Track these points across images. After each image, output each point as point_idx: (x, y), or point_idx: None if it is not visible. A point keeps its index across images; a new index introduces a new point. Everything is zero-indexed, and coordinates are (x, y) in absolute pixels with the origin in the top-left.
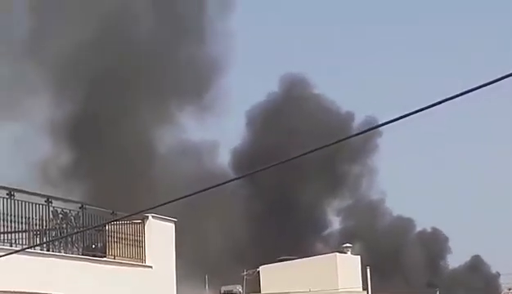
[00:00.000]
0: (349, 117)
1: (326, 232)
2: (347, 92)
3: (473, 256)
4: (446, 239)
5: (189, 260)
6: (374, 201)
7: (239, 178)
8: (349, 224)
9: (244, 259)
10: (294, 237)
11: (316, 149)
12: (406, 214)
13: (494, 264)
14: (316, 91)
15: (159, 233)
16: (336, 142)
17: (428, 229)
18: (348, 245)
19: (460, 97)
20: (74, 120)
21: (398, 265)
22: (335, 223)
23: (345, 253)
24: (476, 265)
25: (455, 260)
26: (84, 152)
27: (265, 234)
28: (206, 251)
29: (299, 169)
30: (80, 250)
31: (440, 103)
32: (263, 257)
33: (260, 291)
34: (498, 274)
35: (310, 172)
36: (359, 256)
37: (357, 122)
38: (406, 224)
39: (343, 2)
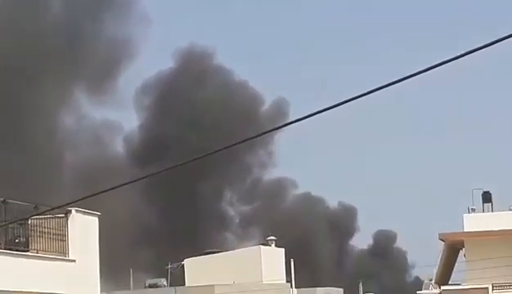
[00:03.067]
0: (258, 99)
1: (228, 220)
2: (256, 72)
3: (380, 230)
4: (355, 215)
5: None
6: (278, 184)
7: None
8: (252, 209)
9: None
10: (197, 226)
11: (225, 148)
12: (315, 193)
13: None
14: (221, 66)
15: (83, 227)
16: (247, 139)
17: (336, 205)
18: (272, 238)
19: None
20: None
21: (308, 248)
22: (237, 210)
23: (269, 246)
24: (387, 244)
25: (364, 238)
26: None
27: (167, 225)
28: (113, 241)
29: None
30: (2, 244)
31: (352, 99)
32: (162, 247)
33: (185, 284)
34: (413, 265)
35: (209, 160)
36: (283, 249)
37: (267, 102)
38: (313, 203)
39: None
